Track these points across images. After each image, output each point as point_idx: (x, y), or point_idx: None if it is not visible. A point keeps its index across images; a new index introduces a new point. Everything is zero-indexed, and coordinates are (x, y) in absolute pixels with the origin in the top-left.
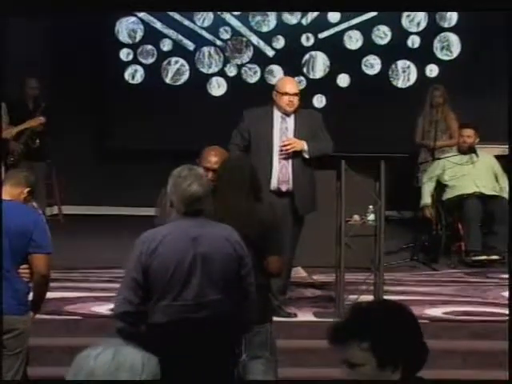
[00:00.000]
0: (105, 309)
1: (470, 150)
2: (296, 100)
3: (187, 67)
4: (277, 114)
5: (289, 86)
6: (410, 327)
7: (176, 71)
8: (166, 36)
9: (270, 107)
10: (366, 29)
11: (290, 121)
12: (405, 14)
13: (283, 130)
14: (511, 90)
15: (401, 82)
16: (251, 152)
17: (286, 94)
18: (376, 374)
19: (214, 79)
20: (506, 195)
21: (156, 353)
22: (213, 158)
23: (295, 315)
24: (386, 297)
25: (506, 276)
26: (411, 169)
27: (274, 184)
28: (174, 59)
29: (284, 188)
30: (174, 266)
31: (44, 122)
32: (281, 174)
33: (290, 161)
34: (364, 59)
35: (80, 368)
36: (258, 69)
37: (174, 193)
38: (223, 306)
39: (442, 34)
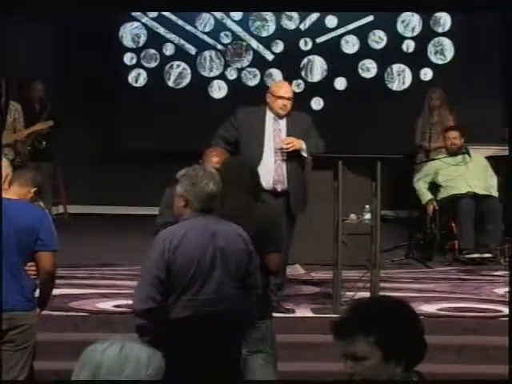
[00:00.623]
0: (109, 305)
1: (461, 151)
2: (289, 104)
3: (189, 71)
4: (269, 116)
5: (283, 90)
6: (413, 322)
7: (178, 74)
8: (168, 40)
9: (262, 108)
10: (362, 34)
11: (282, 122)
12: (400, 19)
13: (276, 131)
14: (510, 92)
15: (396, 85)
16: (241, 151)
17: (281, 97)
18: (380, 367)
19: (215, 82)
20: (495, 193)
21: (176, 347)
22: (214, 158)
23: (293, 311)
24: (381, 293)
25: (498, 273)
26: (407, 169)
27: (269, 184)
28: (176, 63)
29: (279, 188)
30: (196, 262)
31: (52, 124)
32: (276, 174)
33: (285, 161)
34: (360, 63)
35: (87, 361)
36: (257, 72)
37: (190, 192)
38: (238, 300)
39: (436, 38)
